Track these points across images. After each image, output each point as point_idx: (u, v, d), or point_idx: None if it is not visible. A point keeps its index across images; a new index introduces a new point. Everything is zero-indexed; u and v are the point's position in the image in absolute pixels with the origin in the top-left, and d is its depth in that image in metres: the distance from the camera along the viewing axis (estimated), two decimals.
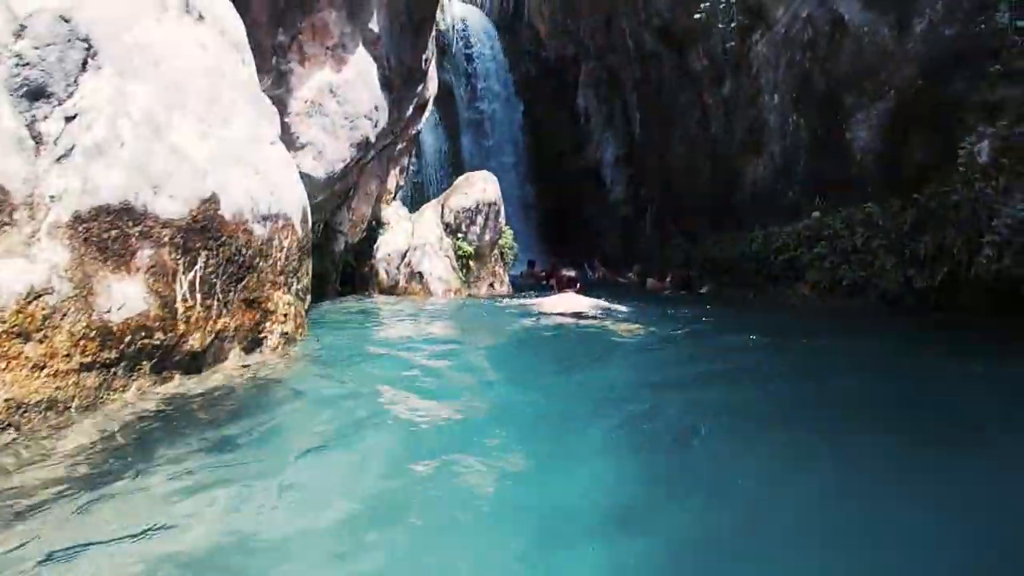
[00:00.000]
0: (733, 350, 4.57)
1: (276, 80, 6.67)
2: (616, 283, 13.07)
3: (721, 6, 8.98)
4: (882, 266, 6.94)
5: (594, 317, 6.36)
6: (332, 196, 9.01)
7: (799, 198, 8.26)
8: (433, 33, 10.78)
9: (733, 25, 9.11)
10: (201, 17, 3.78)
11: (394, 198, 11.74)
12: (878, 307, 7.15)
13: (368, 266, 10.30)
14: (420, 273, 9.39)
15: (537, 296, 8.30)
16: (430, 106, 11.83)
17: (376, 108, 7.72)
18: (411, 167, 17.39)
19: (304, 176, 7.05)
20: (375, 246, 10.67)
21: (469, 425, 2.62)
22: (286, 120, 6.69)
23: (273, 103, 6.86)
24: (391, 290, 9.69)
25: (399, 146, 11.07)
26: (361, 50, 7.46)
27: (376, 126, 7.83)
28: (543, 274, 13.49)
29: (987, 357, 4.27)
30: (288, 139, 6.79)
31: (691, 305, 8.36)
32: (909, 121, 6.88)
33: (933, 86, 6.52)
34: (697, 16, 9.44)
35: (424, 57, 10.30)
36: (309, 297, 4.65)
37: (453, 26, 21.80)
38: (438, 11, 21.85)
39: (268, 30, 6.63)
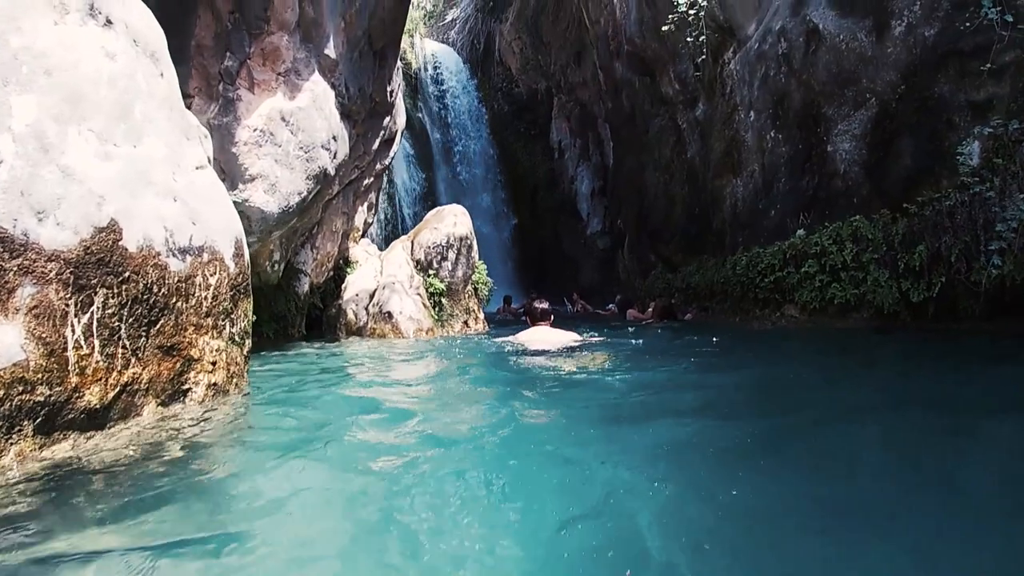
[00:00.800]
0: (709, 379, 4.12)
1: (223, 108, 6.22)
2: (596, 316, 12.69)
3: (689, 17, 8.79)
4: (875, 281, 6.56)
5: (566, 351, 5.90)
6: (291, 233, 8.49)
7: (783, 217, 7.92)
8: (399, 64, 10.47)
9: (702, 39, 8.91)
10: (109, 23, 3.30)
11: (363, 235, 11.25)
12: (872, 324, 6.76)
13: (335, 307, 9.73)
14: (389, 313, 8.84)
15: (512, 332, 7.87)
16: (399, 139, 11.47)
17: (334, 138, 7.28)
18: (383, 204, 17.05)
19: (255, 210, 6.54)
20: (343, 286, 10.13)
21: (414, 502, 2.07)
22: (233, 150, 6.21)
23: (220, 132, 6.40)
24: (360, 332, 9.11)
25: (366, 181, 10.64)
26: (317, 76, 7.05)
27: (335, 157, 7.38)
28: (520, 310, 13.07)
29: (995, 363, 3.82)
30: (237, 170, 6.30)
31: (673, 333, 7.95)
32: (894, 128, 6.61)
33: (917, 89, 6.27)
34: (665, 28, 9.23)
35: (389, 89, 9.97)
36: (249, 342, 4.08)
37: (425, 64, 21.89)
38: (409, 49, 21.96)
39: (214, 54, 6.21)
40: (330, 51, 7.16)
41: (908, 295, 6.26)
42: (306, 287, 9.44)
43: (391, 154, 11.27)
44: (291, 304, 9.00)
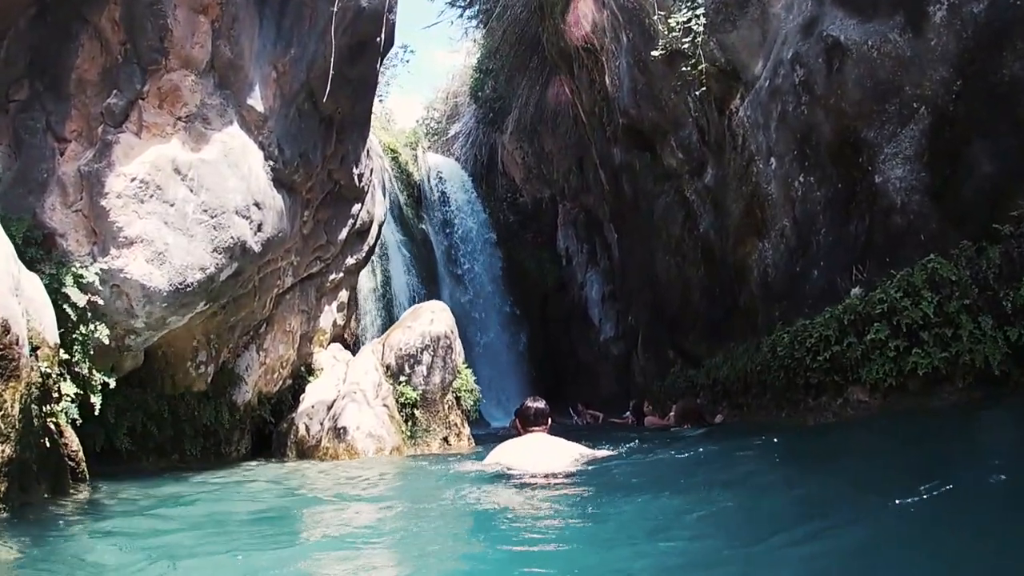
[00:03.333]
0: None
1: (99, 153, 4.97)
2: (612, 426, 10.78)
3: (684, 46, 7.69)
4: (973, 335, 4.73)
5: (565, 479, 4.12)
6: (224, 329, 6.99)
7: (829, 276, 6.23)
8: (367, 145, 9.48)
9: (702, 79, 7.73)
10: None
11: (331, 341, 9.70)
12: (972, 396, 4.82)
13: (287, 422, 7.98)
14: (344, 429, 7.06)
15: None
16: (374, 232, 10.26)
17: (257, 206, 5.96)
18: (379, 312, 15.78)
19: (134, 285, 5.07)
20: (302, 397, 8.44)
21: None
22: (104, 204, 4.87)
23: (91, 181, 5.03)
24: (310, 452, 7.29)
25: (333, 276, 9.27)
26: (234, 129, 5.88)
27: (260, 230, 6.01)
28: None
29: None
30: (108, 230, 4.92)
31: (705, 442, 6.07)
32: (958, 134, 5.16)
33: (978, 79, 4.88)
34: (655, 54, 8.12)
35: (357, 172, 8.87)
36: None
37: (428, 175, 21.72)
38: (412, 161, 21.81)
39: (99, 90, 5.06)
40: (255, 102, 6.03)
41: (1020, 343, 4.44)
42: (248, 396, 7.78)
43: (365, 248, 10.01)
44: (224, 417, 7.30)
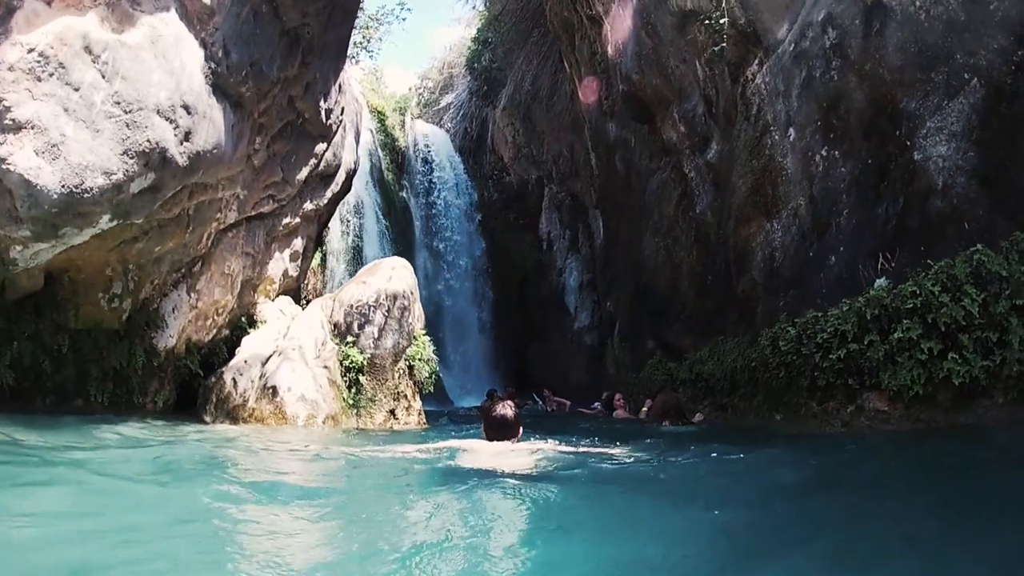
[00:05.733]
0: None
1: None
2: (579, 415, 10.01)
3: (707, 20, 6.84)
4: (1023, 340, 3.98)
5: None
6: (146, 258, 6.02)
7: (850, 263, 5.46)
8: (340, 81, 8.48)
9: (722, 46, 6.90)
10: None
11: (281, 293, 8.71)
12: (1018, 415, 4.06)
13: (216, 376, 7.00)
14: (274, 388, 6.12)
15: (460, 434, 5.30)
16: (340, 180, 9.28)
17: (187, 109, 4.97)
18: (347, 277, 14.81)
19: (16, 179, 4.09)
20: (238, 350, 7.46)
21: None
22: None
23: None
24: (236, 412, 6.33)
25: (287, 220, 8.27)
26: (171, 16, 4.89)
27: (189, 140, 5.04)
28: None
29: None
30: None
31: (691, 444, 5.23)
32: (1016, 111, 4.41)
33: None
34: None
35: (325, 106, 7.88)
36: None
37: (415, 143, 20.77)
38: (398, 126, 20.75)
39: None
40: None
41: None
42: (173, 342, 6.80)
43: (328, 194, 9.02)
44: (139, 361, 6.31)
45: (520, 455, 3.77)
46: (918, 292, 4.52)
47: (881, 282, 5.00)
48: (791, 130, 6.23)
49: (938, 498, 2.78)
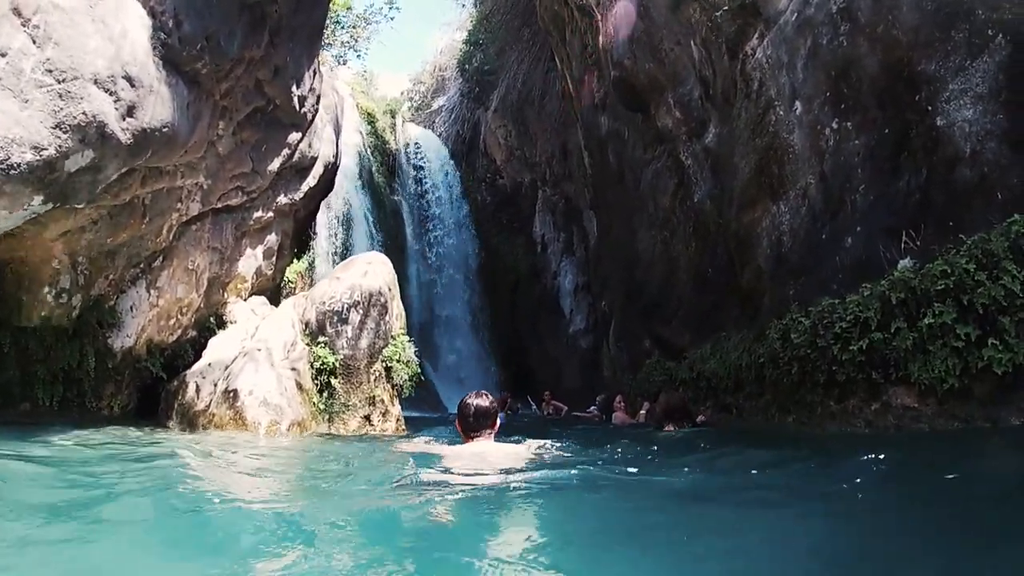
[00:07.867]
0: None
1: None
2: (576, 420, 9.55)
3: None
4: None
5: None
6: (98, 251, 5.52)
7: (868, 243, 4.96)
8: (315, 67, 8.01)
9: (719, 15, 6.44)
10: None
11: (255, 293, 8.20)
12: None
13: (178, 380, 6.48)
14: (235, 392, 5.59)
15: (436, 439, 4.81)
16: (317, 173, 8.78)
17: (129, 81, 4.48)
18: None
19: None
20: (205, 353, 6.94)
21: None
22: None
23: None
24: (196, 419, 5.80)
25: (258, 214, 7.77)
26: None
27: (132, 116, 4.54)
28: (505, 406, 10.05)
29: None
30: None
31: (699, 449, 4.71)
32: None
33: None
34: None
35: (298, 93, 7.39)
36: None
37: (406, 146, 20.40)
38: (389, 129, 20.29)
39: None
40: None
41: None
42: (131, 343, 6.29)
43: (304, 188, 8.53)
44: (90, 362, 5.80)
45: (497, 452, 3.29)
46: (950, 271, 4.02)
47: (906, 263, 4.50)
48: (797, 104, 5.75)
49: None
